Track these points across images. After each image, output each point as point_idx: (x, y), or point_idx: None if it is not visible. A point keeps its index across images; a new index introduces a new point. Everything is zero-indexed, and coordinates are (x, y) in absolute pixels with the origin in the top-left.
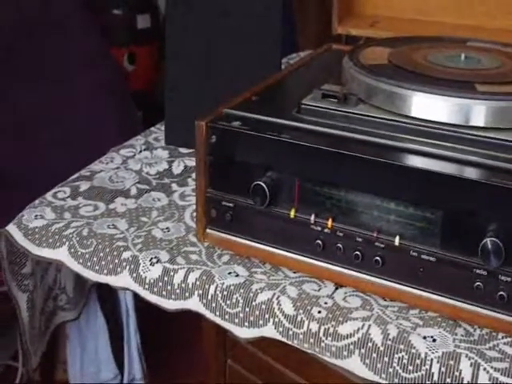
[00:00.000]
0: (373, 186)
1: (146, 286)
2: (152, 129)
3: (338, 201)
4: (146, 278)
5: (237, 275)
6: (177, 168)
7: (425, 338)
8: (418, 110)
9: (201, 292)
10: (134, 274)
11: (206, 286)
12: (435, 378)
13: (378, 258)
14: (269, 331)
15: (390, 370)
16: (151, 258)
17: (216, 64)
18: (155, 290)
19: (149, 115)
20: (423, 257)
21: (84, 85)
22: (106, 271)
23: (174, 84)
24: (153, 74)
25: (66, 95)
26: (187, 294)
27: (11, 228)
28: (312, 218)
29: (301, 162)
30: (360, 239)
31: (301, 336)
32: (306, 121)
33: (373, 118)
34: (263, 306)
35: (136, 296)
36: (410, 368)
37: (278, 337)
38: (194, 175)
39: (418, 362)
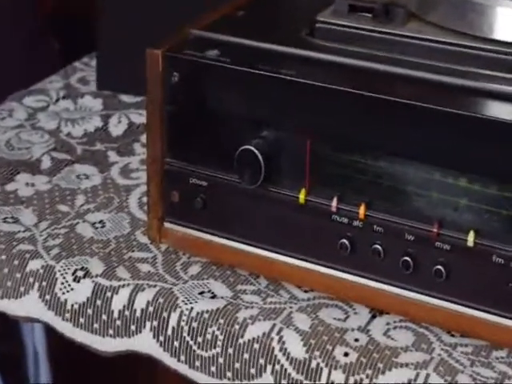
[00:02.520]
0: (432, 151)
1: (67, 316)
2: (75, 64)
3: (374, 176)
4: (66, 301)
5: (213, 296)
6: (116, 127)
7: None
8: (506, 31)
9: (156, 324)
10: (47, 296)
11: (165, 314)
12: None
13: (439, 266)
14: None
15: None
16: (75, 270)
17: None
18: (81, 321)
19: (71, 48)
20: None
21: None
22: None
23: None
24: None
25: None
26: (134, 328)
27: None
28: (333, 203)
29: (315, 114)
30: (411, 237)
31: None
32: (322, 48)
33: (432, 44)
34: (256, 346)
35: (50, 333)
36: None
37: None
38: (143, 138)
39: None
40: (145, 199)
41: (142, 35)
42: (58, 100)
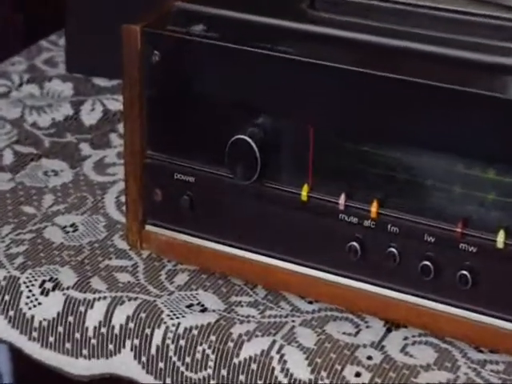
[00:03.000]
0: (454, 138)
1: (34, 334)
2: (41, 43)
3: (388, 168)
4: (33, 318)
5: (204, 309)
6: (89, 115)
7: None
8: None
9: (137, 342)
10: (11, 312)
11: (147, 331)
12: None
13: (464, 272)
14: None
15: None
16: (43, 282)
17: None
18: (51, 340)
19: (36, 23)
20: None
21: None
22: None
23: None
24: None
25: None
26: (112, 347)
27: None
28: (341, 200)
29: (318, 98)
30: (431, 238)
31: None
32: (325, 22)
33: (450, 14)
34: (253, 366)
35: (15, 353)
36: None
37: None
38: (121, 127)
39: None
40: (123, 198)
41: (117, 8)
42: (21, 84)
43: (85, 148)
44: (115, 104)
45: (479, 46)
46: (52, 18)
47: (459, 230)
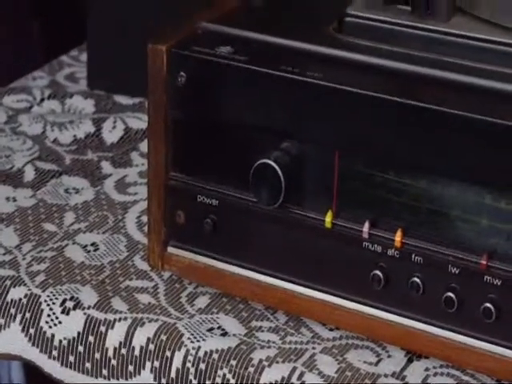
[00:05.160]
0: (482, 170)
1: (54, 353)
2: (63, 58)
3: (413, 197)
4: (53, 337)
5: (224, 333)
6: (110, 132)
7: None
8: None
9: (157, 364)
10: (32, 330)
11: (168, 354)
12: None
13: (488, 304)
14: None
15: None
16: (64, 301)
17: None
18: (71, 359)
19: (58, 38)
20: None
21: None
22: None
23: None
24: None
25: None
26: (131, 369)
27: None
28: (365, 228)
29: (344, 124)
30: (455, 270)
31: None
32: (353, 46)
33: (481, 43)
34: None
35: (30, 372)
36: None
37: None
38: (142, 146)
39: None
40: (144, 218)
41: (140, 25)
42: (42, 100)
43: (106, 166)
44: (137, 122)
45: (507, 75)
46: (74, 32)
47: (484, 262)
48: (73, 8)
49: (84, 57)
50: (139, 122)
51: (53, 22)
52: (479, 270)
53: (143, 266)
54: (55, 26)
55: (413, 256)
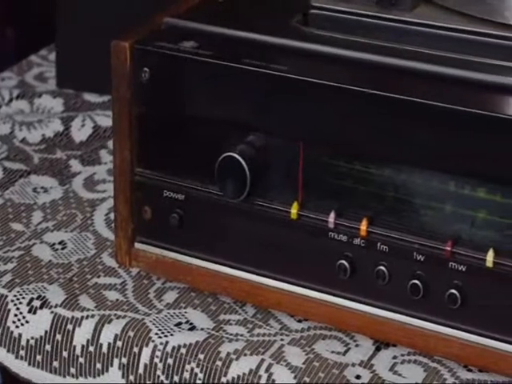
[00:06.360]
0: (445, 156)
1: (22, 353)
2: (32, 58)
3: (378, 186)
4: (20, 336)
5: (192, 328)
6: (79, 131)
7: None
8: None
9: (125, 361)
10: None
11: (135, 350)
12: None
13: (453, 291)
14: None
15: None
16: (31, 300)
17: None
18: (38, 359)
19: (27, 38)
20: None
21: None
22: None
23: None
24: None
25: None
26: (99, 366)
27: None
28: (331, 218)
29: (309, 115)
30: (420, 257)
31: None
32: (317, 38)
33: (445, 32)
34: None
35: (2, 373)
36: None
37: None
38: (111, 144)
39: None
40: (112, 216)
41: (109, 23)
42: (10, 100)
43: (74, 164)
44: (106, 120)
45: (471, 63)
46: (43, 32)
47: (449, 248)
48: (43, 9)
49: (53, 56)
50: (108, 120)
51: (25, 25)
52: (444, 256)
53: (111, 263)
54: (28, 32)
55: (378, 245)
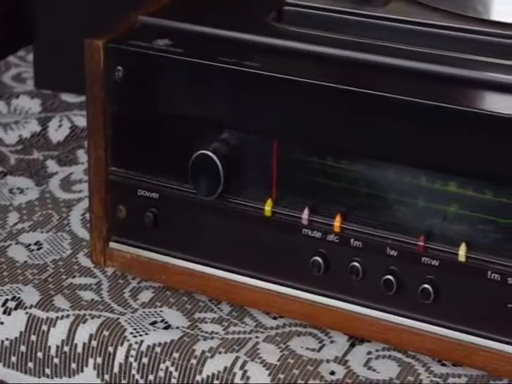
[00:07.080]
0: (417, 151)
1: None
2: (10, 59)
3: (351, 182)
4: None
5: (167, 326)
6: (56, 131)
7: None
8: (504, 11)
9: (100, 360)
10: None
11: (110, 349)
12: None
13: (426, 285)
14: None
15: None
16: (6, 301)
17: None
18: (13, 360)
19: (4, 39)
20: None
21: None
22: None
23: None
24: None
25: None
26: (74, 366)
27: None
28: (304, 215)
29: (282, 112)
30: (394, 252)
31: None
32: (291, 35)
33: (417, 27)
34: (216, 383)
35: None
36: None
37: None
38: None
39: None
40: (87, 216)
41: (87, 24)
42: None
43: (51, 165)
44: (83, 120)
45: (444, 58)
46: (21, 33)
47: (421, 243)
48: (21, 10)
49: (31, 57)
50: (85, 120)
51: (3, 26)
52: (417, 251)
53: (87, 263)
54: (5, 29)
55: (352, 240)
